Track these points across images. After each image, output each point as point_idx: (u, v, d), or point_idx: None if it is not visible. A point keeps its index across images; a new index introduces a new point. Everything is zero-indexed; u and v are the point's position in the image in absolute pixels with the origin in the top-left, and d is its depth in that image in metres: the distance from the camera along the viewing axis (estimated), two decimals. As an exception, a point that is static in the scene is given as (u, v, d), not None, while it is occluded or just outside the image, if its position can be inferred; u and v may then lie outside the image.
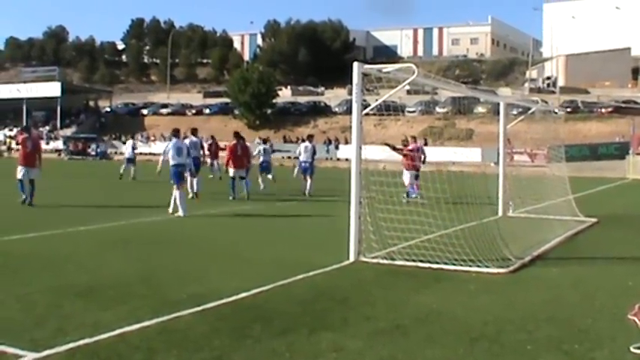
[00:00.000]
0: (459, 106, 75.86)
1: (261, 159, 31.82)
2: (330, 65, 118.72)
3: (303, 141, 32.83)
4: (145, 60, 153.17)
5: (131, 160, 39.68)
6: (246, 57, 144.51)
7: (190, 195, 26.12)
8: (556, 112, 26.42)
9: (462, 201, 15.80)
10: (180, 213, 20.80)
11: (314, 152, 31.25)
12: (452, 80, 21.03)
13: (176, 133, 22.98)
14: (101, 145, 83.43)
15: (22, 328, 8.46)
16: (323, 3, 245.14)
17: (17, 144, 23.28)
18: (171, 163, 21.78)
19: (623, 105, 78.57)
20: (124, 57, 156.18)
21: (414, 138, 28.75)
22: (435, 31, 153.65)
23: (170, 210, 21.36)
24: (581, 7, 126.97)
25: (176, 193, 21.21)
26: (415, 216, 14.34)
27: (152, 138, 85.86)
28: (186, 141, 26.53)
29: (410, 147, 26.59)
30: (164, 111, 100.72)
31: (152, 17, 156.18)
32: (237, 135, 28.76)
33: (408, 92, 79.93)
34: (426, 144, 51.29)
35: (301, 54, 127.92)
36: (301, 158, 30.44)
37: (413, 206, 14.75)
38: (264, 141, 34.41)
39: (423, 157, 27.15)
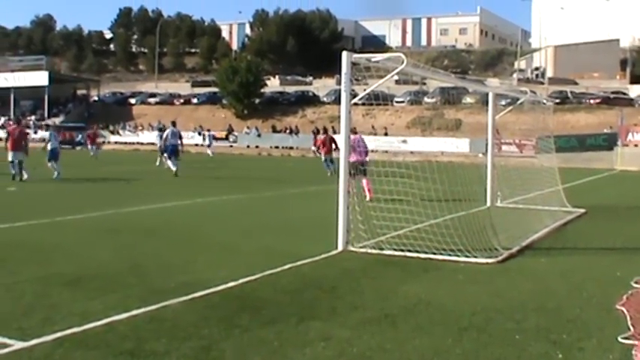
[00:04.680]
0: (448, 97, 75.98)
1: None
2: (319, 55, 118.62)
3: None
4: (133, 49, 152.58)
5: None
6: (235, 46, 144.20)
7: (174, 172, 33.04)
8: (544, 103, 26.39)
9: (451, 191, 15.79)
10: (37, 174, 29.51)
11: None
12: (441, 70, 21.00)
13: (48, 126, 37.21)
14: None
15: (10, 317, 8.44)
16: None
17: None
18: (51, 147, 30.94)
19: (612, 96, 78.77)
20: (111, 46, 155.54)
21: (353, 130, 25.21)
22: (424, 22, 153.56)
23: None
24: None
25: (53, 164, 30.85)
26: (405, 205, 14.33)
27: (140, 127, 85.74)
28: (168, 131, 35.44)
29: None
30: (152, 100, 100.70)
31: (140, 6, 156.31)
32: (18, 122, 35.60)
33: (397, 82, 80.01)
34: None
35: (289, 44, 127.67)
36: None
37: (403, 195, 14.73)
38: (173, 124, 37.33)
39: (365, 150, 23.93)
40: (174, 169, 33.30)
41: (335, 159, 32.22)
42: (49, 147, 31.07)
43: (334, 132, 47.91)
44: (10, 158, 29.06)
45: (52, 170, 30.64)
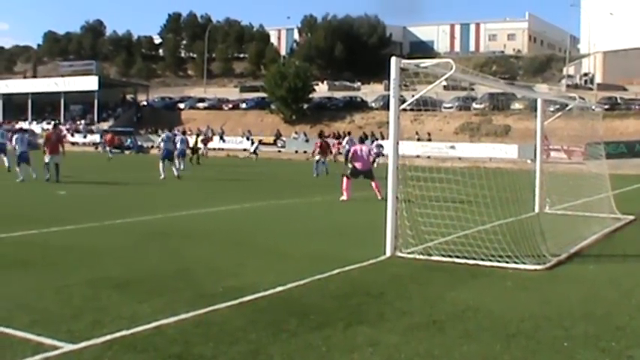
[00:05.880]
0: (496, 102, 75.53)
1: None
2: (367, 60, 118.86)
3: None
4: (182, 54, 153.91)
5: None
6: (283, 52, 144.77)
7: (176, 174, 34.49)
8: (593, 109, 26.13)
9: (499, 197, 15.69)
10: (20, 178, 30.05)
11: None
12: (489, 76, 20.91)
13: (23, 130, 40.97)
14: (138, 138, 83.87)
15: (59, 319, 8.52)
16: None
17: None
18: (20, 150, 31.16)
19: (663, 102, 77.72)
20: (160, 51, 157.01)
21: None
22: (472, 27, 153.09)
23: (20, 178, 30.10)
24: (619, 3, 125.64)
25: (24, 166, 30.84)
26: (452, 211, 14.27)
27: (189, 132, 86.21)
28: (178, 137, 38.68)
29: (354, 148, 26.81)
30: (201, 105, 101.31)
31: (189, 12, 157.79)
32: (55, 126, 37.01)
33: (445, 88, 79.64)
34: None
35: (338, 49, 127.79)
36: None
37: (450, 202, 14.68)
38: (170, 130, 40.99)
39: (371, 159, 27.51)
40: (175, 173, 34.58)
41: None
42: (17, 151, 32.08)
43: (382, 138, 49.44)
44: (46, 160, 30.49)
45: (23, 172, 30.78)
